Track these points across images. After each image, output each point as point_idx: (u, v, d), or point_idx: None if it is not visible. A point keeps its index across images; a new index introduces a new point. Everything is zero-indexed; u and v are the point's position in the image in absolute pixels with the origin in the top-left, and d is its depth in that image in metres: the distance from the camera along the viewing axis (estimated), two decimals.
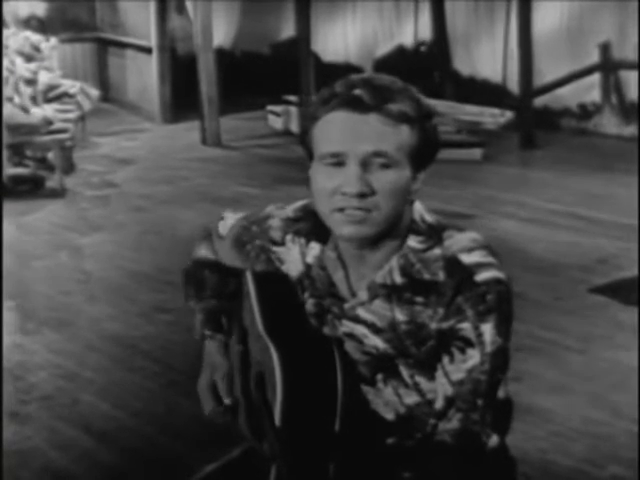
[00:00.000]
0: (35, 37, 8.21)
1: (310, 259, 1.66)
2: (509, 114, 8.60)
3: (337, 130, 1.49)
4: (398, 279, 1.57)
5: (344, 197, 1.49)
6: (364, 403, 1.65)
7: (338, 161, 1.50)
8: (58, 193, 6.85)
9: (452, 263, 1.53)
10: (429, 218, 1.60)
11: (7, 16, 8.89)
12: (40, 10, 10.61)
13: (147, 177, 7.50)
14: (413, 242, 1.57)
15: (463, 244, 1.55)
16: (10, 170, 6.88)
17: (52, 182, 6.96)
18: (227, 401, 1.72)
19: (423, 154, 1.53)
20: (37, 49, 7.98)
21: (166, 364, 3.85)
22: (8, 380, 3.69)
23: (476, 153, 7.98)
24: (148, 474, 3.07)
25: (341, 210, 1.50)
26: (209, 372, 1.78)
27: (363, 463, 1.59)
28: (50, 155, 7.10)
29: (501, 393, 1.60)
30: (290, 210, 1.73)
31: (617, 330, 4.19)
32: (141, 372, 3.81)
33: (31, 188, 6.93)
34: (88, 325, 4.33)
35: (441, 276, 1.53)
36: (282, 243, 1.71)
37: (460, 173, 7.32)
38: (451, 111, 8.78)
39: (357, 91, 1.48)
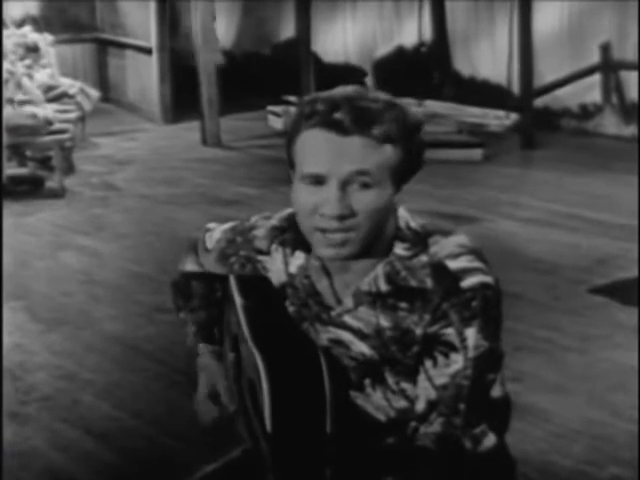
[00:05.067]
0: (34, 35, 8.20)
1: (293, 269, 1.66)
2: (514, 116, 8.55)
3: (317, 151, 1.47)
4: (383, 287, 1.56)
5: (323, 218, 1.48)
6: (355, 404, 1.65)
7: (318, 180, 1.48)
8: (58, 193, 6.84)
9: (438, 270, 1.52)
10: (413, 224, 1.59)
11: (5, 17, 8.87)
12: (34, 10, 10.60)
13: (147, 177, 7.50)
14: (399, 249, 1.56)
15: (449, 250, 1.54)
16: (10, 170, 6.88)
17: (52, 182, 6.96)
18: (232, 408, 1.73)
19: (406, 172, 1.52)
20: (35, 48, 7.96)
21: (167, 365, 3.85)
22: (8, 380, 3.69)
23: (476, 153, 7.98)
24: (148, 475, 3.07)
25: (322, 231, 1.49)
26: (206, 382, 1.78)
27: (359, 465, 1.59)
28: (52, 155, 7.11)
29: (498, 392, 1.59)
30: (276, 219, 1.73)
31: (616, 330, 4.19)
32: (142, 373, 3.81)
33: (31, 188, 6.93)
34: (89, 325, 4.33)
35: (428, 283, 1.53)
36: (268, 252, 1.71)
37: (460, 173, 7.32)
38: (454, 113, 8.77)
39: (338, 115, 1.45)
